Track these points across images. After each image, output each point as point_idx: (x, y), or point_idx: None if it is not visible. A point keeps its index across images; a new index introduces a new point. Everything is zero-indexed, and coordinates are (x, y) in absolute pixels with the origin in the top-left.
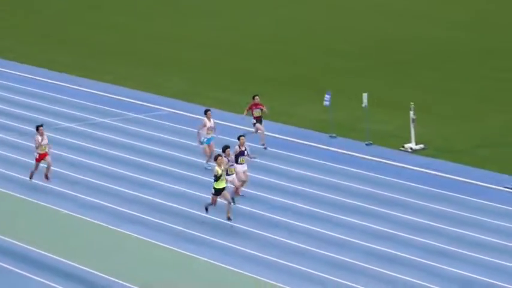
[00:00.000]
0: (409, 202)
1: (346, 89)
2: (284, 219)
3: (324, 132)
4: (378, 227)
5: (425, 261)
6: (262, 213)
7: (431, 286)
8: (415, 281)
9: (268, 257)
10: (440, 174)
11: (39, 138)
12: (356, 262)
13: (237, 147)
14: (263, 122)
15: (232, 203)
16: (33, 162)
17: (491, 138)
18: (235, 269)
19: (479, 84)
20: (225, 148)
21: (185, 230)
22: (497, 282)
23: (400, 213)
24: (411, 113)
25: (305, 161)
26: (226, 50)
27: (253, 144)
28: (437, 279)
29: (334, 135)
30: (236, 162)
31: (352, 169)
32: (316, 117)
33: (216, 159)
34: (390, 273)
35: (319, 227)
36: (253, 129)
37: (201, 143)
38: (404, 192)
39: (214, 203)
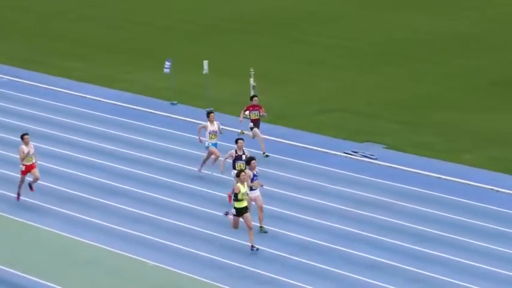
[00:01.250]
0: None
1: (187, 57)
2: (124, 187)
3: (165, 99)
4: (214, 192)
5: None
6: (103, 181)
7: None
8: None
9: (108, 224)
10: (278, 139)
11: (24, 148)
12: (190, 226)
13: (233, 151)
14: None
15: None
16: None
17: (327, 104)
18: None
19: (309, 49)
20: (250, 160)
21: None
22: (339, 247)
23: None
24: (251, 79)
25: (147, 128)
26: (67, 17)
27: (253, 150)
28: (276, 243)
29: (175, 102)
30: (234, 167)
31: (191, 136)
32: (157, 85)
33: (238, 175)
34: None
35: (164, 194)
36: (250, 133)
37: (206, 147)
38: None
39: (236, 226)
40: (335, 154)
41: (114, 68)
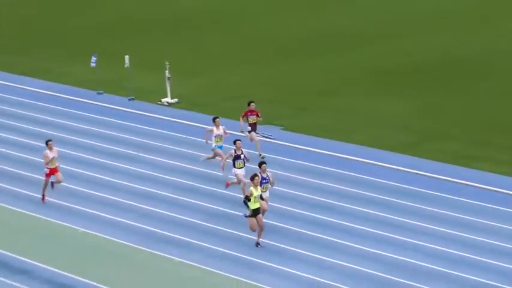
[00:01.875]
0: (166, 148)
1: (111, 52)
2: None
3: (92, 89)
4: (140, 170)
5: (174, 195)
6: (34, 159)
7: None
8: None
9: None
10: (192, 123)
11: (48, 152)
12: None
13: (232, 151)
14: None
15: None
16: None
17: (232, 93)
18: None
19: (218, 45)
20: (261, 164)
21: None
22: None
23: (157, 156)
24: (166, 72)
25: (76, 114)
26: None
27: (249, 150)
28: (186, 210)
29: (101, 91)
30: (234, 166)
31: (117, 121)
32: (85, 77)
33: (252, 179)
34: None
35: (92, 171)
36: (248, 135)
37: (212, 149)
38: (162, 139)
39: (253, 227)
40: (238, 135)
41: (48, 62)
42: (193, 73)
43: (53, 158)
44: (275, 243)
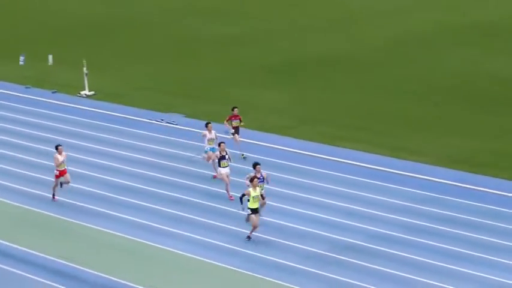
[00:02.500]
0: (85, 133)
1: (38, 52)
2: None
3: (21, 84)
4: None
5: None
6: None
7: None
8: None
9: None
10: (106, 112)
11: (59, 156)
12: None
13: (217, 152)
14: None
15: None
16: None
17: (141, 84)
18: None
19: (126, 43)
20: (255, 165)
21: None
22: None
23: (78, 141)
24: (84, 68)
25: (7, 105)
26: None
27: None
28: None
29: (29, 86)
30: (219, 165)
31: (42, 110)
32: (14, 74)
33: (251, 180)
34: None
35: (20, 153)
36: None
37: (205, 151)
38: (81, 125)
39: (256, 224)
40: (148, 121)
41: None
42: (107, 69)
43: (62, 161)
44: None
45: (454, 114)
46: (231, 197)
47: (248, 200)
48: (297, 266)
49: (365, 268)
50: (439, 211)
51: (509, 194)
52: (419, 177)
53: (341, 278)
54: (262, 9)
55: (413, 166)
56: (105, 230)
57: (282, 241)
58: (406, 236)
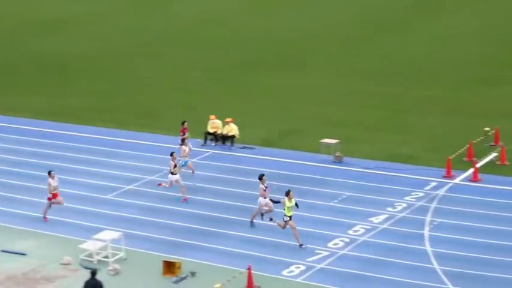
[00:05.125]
0: None
1: None
2: None
3: None
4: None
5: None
6: None
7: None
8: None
9: None
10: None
11: (51, 181)
12: None
13: (171, 161)
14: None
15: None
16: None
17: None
18: None
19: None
20: (261, 176)
21: None
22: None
23: None
24: None
25: None
26: None
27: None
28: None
29: None
30: (171, 173)
31: None
32: None
33: (287, 194)
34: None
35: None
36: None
37: (183, 165)
38: None
39: (284, 227)
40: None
41: None
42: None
43: (55, 186)
44: None
45: None
46: (185, 198)
47: (284, 209)
48: None
49: None
50: None
51: None
52: None
53: None
54: None
55: None
56: None
57: None
58: None
